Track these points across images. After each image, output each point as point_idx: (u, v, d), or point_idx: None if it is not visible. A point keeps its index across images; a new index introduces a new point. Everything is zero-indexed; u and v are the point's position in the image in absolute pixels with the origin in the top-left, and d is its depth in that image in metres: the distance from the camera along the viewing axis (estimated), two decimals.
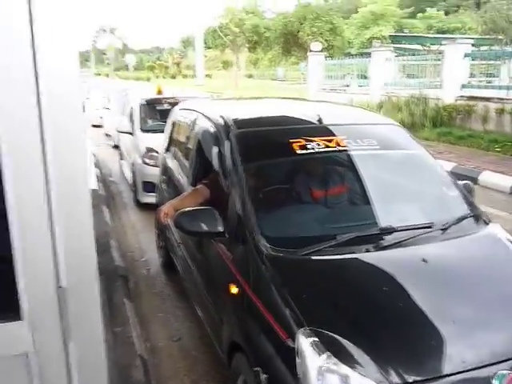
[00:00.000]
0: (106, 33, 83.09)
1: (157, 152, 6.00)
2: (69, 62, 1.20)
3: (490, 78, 14.98)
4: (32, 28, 1.13)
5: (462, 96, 12.87)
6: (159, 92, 8.40)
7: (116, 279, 4.30)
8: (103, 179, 8.74)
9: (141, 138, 7.10)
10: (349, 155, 3.04)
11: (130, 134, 7.57)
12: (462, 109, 12.41)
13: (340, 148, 2.92)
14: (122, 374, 2.95)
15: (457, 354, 1.91)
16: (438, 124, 12.60)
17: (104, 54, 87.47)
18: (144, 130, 7.38)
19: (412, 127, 12.50)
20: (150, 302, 4.18)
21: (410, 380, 1.81)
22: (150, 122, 7.77)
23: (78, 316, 1.26)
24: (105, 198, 7.25)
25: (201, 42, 39.07)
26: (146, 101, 7.98)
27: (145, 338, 3.54)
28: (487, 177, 8.04)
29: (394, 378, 1.80)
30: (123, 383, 2.86)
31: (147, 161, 6.54)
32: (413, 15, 54.88)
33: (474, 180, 7.65)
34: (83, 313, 1.28)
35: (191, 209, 2.85)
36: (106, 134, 13.83)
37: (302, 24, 34.06)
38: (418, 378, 1.83)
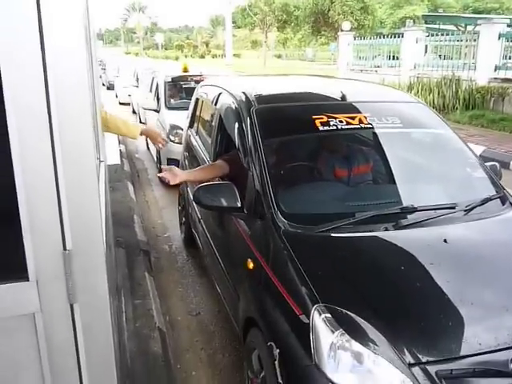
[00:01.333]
0: (135, 11, 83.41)
1: (181, 129, 6.00)
2: (75, 38, 1.22)
3: None
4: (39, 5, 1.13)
5: (495, 78, 12.46)
6: (185, 70, 8.34)
7: (138, 253, 4.35)
8: (129, 156, 8.81)
9: (166, 115, 7.11)
10: (371, 133, 2.98)
11: (156, 111, 7.58)
12: (495, 91, 12.02)
13: (362, 125, 2.86)
14: (140, 344, 3.00)
15: (473, 336, 1.86)
16: (470, 106, 12.24)
17: (134, 32, 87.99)
18: (169, 108, 7.38)
19: (443, 109, 12.21)
20: (171, 277, 4.23)
21: (424, 360, 1.78)
22: (175, 99, 7.76)
23: (83, 279, 1.29)
24: (130, 174, 7.31)
25: (230, 21, 38.75)
26: (172, 78, 7.95)
27: (164, 312, 3.58)
28: None
29: (408, 357, 1.77)
30: (141, 354, 2.92)
31: (172, 138, 6.55)
32: None
33: (506, 164, 7.46)
34: (88, 276, 1.30)
35: (210, 183, 2.84)
36: (134, 112, 13.94)
37: (332, 2, 33.31)
38: (432, 359, 1.79)
